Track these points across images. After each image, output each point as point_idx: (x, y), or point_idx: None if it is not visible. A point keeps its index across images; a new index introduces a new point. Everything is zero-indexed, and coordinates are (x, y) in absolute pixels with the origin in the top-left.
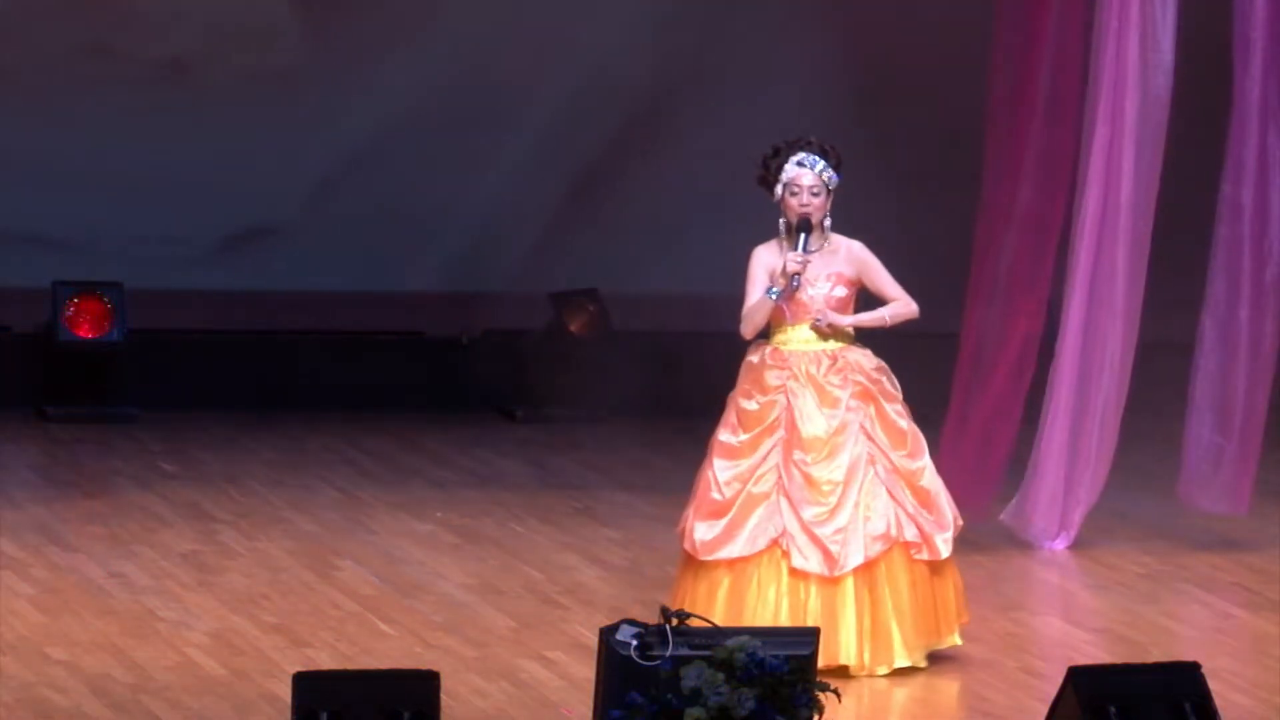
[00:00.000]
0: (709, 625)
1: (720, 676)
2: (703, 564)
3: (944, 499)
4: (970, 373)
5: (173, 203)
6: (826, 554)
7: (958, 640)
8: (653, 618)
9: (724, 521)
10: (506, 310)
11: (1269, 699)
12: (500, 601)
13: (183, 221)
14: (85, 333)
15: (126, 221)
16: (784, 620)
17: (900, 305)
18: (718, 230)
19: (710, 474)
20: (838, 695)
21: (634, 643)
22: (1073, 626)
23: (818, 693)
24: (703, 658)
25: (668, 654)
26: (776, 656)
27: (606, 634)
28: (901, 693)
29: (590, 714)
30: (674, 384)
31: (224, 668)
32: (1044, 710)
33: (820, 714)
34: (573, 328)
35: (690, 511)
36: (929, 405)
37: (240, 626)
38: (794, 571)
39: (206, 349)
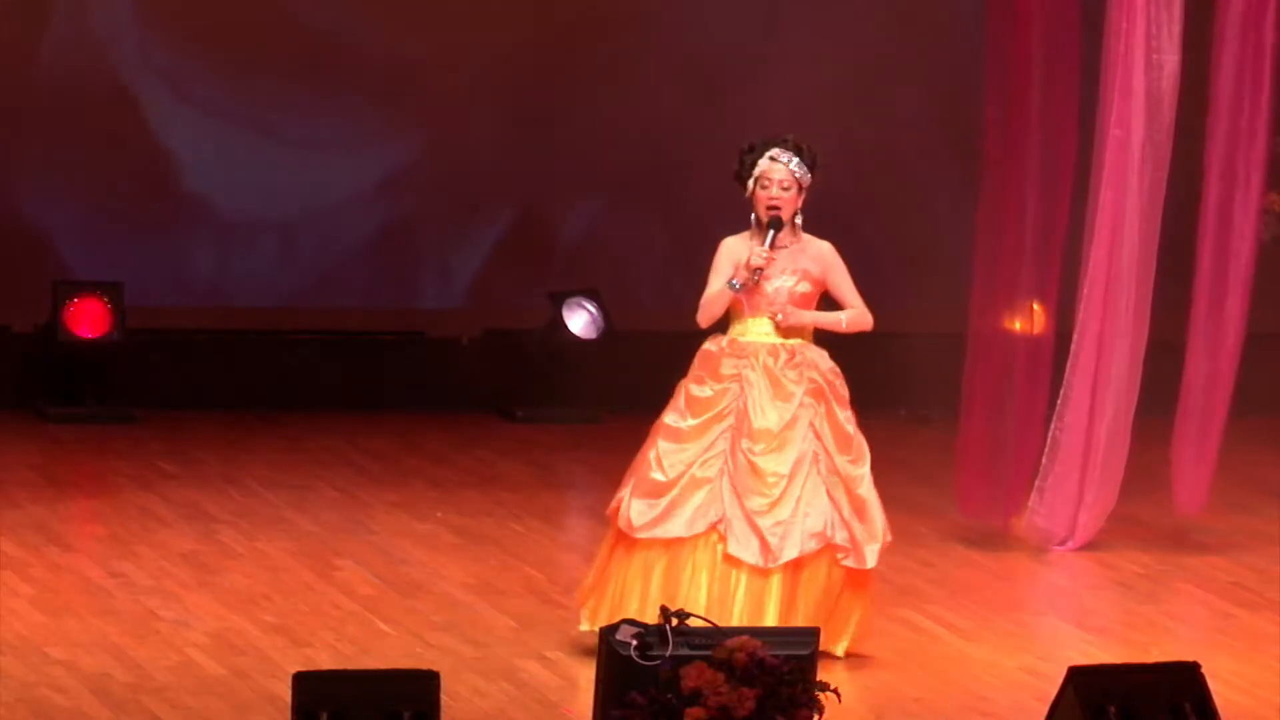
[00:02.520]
0: (709, 625)
1: (720, 676)
2: (637, 542)
3: (877, 511)
4: (979, 380)
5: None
6: (764, 545)
7: (839, 653)
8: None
9: (663, 501)
10: (506, 310)
11: (1269, 699)
12: (500, 601)
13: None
14: (85, 333)
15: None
16: (710, 607)
17: (857, 314)
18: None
19: (653, 454)
20: (838, 695)
21: (634, 643)
22: (1073, 626)
23: (817, 693)
24: (703, 658)
25: (668, 654)
26: (776, 656)
27: (606, 634)
28: (901, 692)
29: (590, 714)
30: (674, 384)
31: (224, 668)
32: (1044, 710)
33: (820, 714)
34: (572, 328)
35: (627, 490)
36: (927, 406)
37: (240, 626)
38: (728, 558)
39: (206, 349)
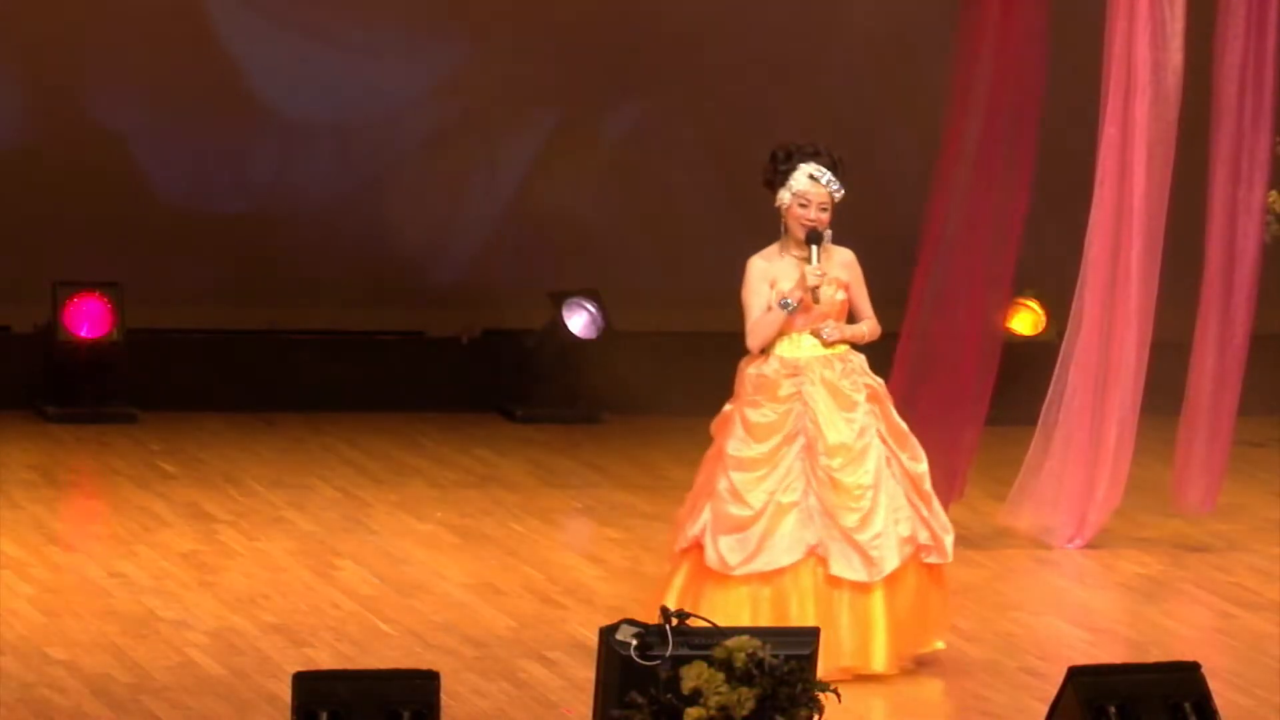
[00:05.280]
0: (709, 625)
1: (720, 676)
2: (730, 579)
3: (938, 503)
4: (913, 373)
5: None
6: (867, 559)
7: (940, 644)
8: (653, 618)
9: (753, 533)
10: (506, 310)
11: (1269, 699)
12: (500, 601)
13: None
14: (85, 333)
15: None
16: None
17: (874, 325)
18: (719, 228)
19: (726, 488)
20: (838, 695)
21: (634, 643)
22: (1073, 626)
23: (817, 693)
24: (703, 658)
25: (668, 654)
26: (776, 656)
27: (606, 634)
28: (901, 692)
29: (590, 714)
30: (674, 384)
31: (224, 668)
32: (1044, 710)
33: (820, 714)
34: (572, 328)
35: (708, 528)
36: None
37: (240, 626)
38: (830, 579)
39: (206, 349)
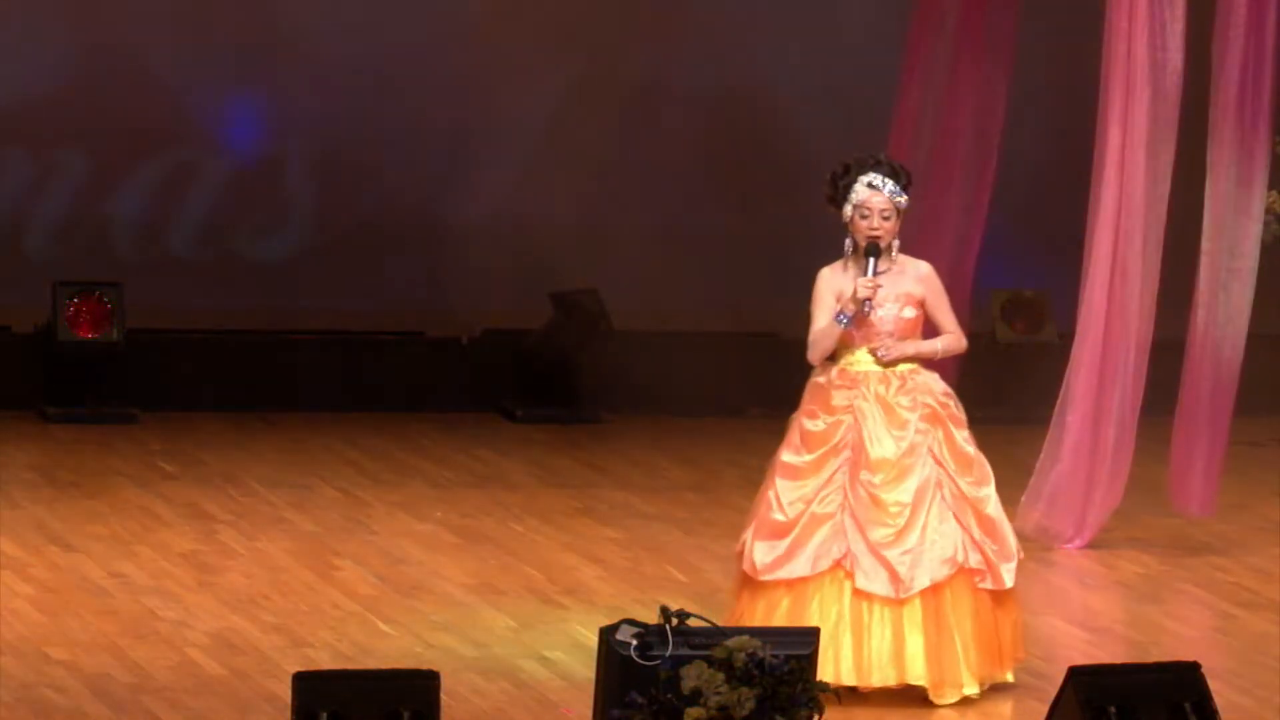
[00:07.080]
0: (709, 625)
1: (720, 676)
2: (760, 584)
3: (1007, 529)
4: None
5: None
6: (893, 575)
7: (1010, 677)
8: (653, 618)
9: (785, 542)
10: (506, 310)
11: (1269, 699)
12: (500, 601)
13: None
14: (85, 333)
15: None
16: (848, 643)
17: (952, 339)
18: (719, 228)
19: (772, 494)
20: (837, 696)
21: (634, 643)
22: (1073, 626)
23: (818, 693)
24: (703, 658)
25: (668, 654)
26: (776, 656)
27: (606, 634)
28: (900, 692)
29: (590, 714)
30: (674, 384)
31: (224, 668)
32: (1044, 710)
33: (820, 714)
34: (573, 328)
35: (749, 532)
36: None
37: (240, 626)
38: (858, 593)
39: (206, 349)
